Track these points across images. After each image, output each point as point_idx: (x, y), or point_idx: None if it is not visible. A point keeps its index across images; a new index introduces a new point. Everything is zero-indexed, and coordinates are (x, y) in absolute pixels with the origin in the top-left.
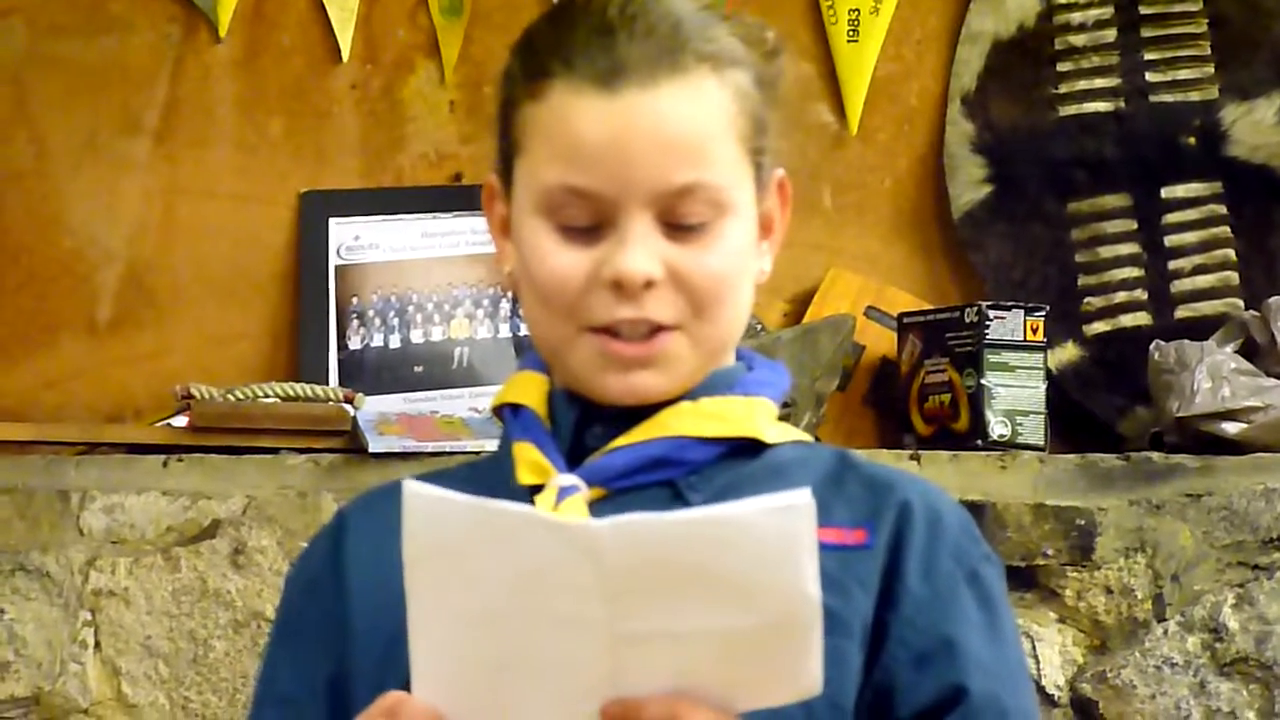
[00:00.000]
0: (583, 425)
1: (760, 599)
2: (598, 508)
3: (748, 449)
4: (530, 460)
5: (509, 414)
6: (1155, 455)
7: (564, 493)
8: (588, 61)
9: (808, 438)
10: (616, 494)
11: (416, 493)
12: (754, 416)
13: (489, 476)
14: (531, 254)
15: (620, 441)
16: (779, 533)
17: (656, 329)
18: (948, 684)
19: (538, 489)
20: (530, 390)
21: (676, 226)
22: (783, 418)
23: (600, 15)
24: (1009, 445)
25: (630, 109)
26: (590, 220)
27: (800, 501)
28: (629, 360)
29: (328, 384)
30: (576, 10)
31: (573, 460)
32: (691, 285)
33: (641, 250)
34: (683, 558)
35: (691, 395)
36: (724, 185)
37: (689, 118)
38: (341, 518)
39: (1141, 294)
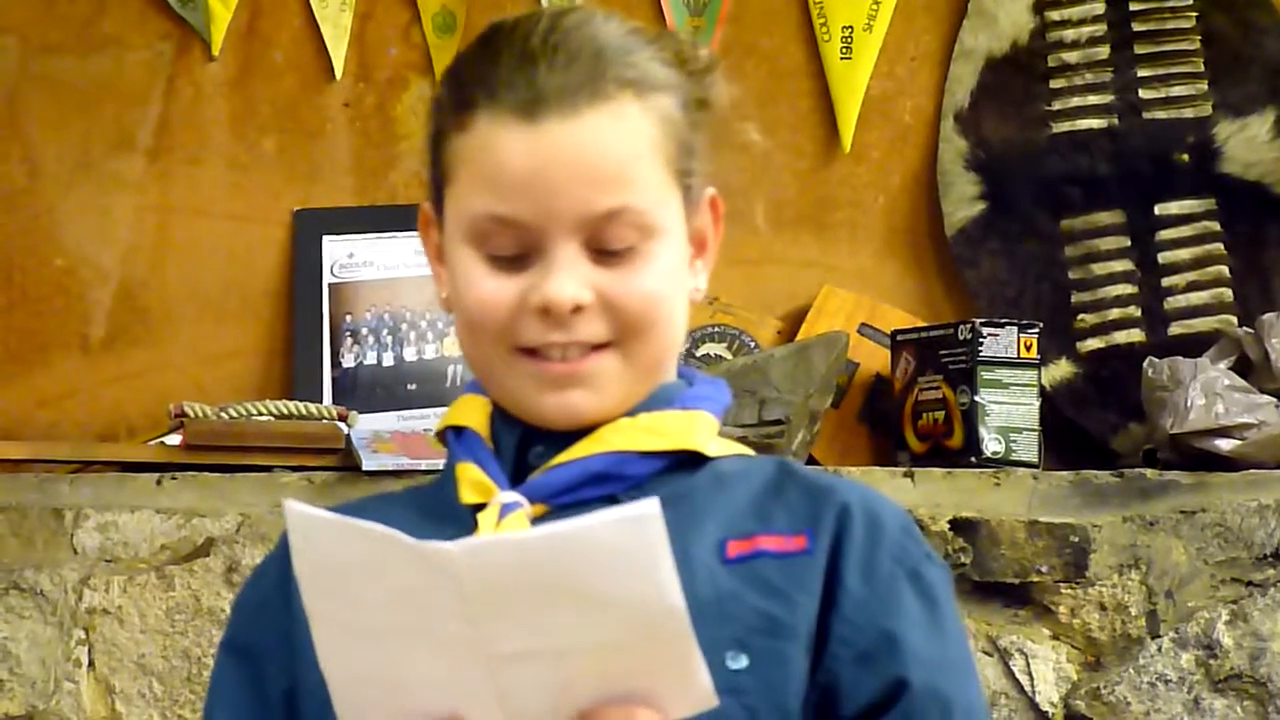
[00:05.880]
0: (525, 445)
1: (623, 613)
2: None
3: (689, 462)
4: (473, 479)
5: (452, 437)
6: (1149, 472)
7: (506, 509)
8: (510, 92)
9: (749, 451)
10: (558, 510)
11: (296, 511)
12: (693, 430)
13: (432, 499)
14: (461, 282)
15: (561, 458)
16: (630, 545)
17: (588, 349)
18: (888, 679)
19: (481, 508)
20: (473, 412)
21: (604, 252)
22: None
23: (523, 44)
24: (1003, 462)
25: (552, 138)
26: (517, 249)
27: (648, 512)
28: (560, 378)
29: (321, 402)
30: (502, 39)
31: (516, 479)
32: (621, 308)
33: (568, 276)
34: (538, 576)
35: (631, 411)
36: (649, 208)
37: (611, 145)
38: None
39: (1135, 311)
